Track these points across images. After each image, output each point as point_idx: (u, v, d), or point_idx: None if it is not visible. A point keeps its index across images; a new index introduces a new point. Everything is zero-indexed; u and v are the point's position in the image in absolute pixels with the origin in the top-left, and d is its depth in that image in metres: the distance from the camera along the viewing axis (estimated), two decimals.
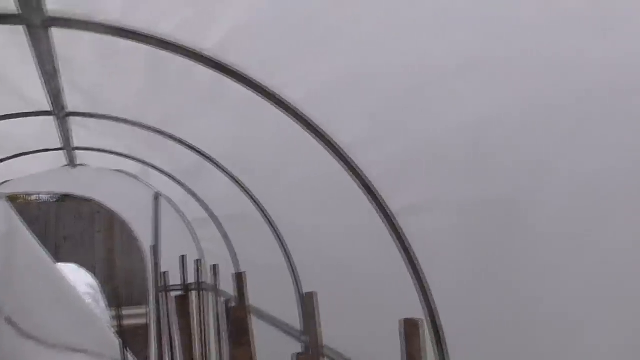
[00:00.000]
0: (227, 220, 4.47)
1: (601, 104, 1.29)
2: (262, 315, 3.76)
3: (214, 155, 3.36)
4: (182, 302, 4.53)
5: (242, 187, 3.43)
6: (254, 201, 3.42)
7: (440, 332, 2.16)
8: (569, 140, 1.43)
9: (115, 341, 5.36)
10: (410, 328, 1.60)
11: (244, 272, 3.32)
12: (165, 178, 4.72)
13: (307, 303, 2.24)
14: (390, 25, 1.58)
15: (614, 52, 1.19)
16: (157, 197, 5.78)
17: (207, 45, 1.91)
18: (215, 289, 4.08)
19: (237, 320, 3.00)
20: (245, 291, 3.21)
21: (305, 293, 2.32)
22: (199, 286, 4.38)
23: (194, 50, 1.93)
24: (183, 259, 4.75)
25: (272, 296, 3.82)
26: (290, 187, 2.78)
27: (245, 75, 2.00)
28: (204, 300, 4.36)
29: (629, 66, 1.19)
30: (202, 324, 4.03)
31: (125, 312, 7.90)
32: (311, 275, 3.23)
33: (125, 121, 3.20)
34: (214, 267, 4.22)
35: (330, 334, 2.67)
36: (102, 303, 6.87)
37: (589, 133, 1.36)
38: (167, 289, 4.36)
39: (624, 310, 1.44)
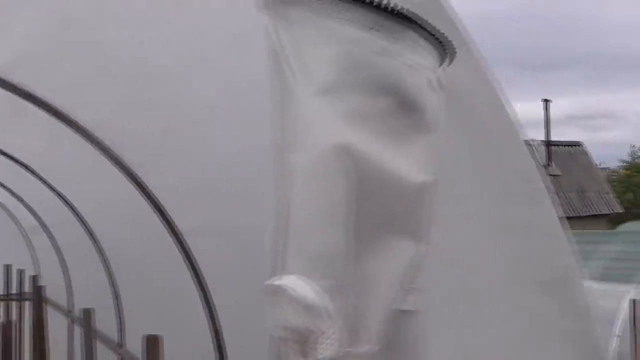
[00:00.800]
0: (57, 229, 4.37)
1: None
2: (88, 328, 3.72)
3: (31, 165, 3.30)
4: (3, 312, 4.37)
5: (62, 199, 3.40)
6: (74, 212, 3.40)
7: (223, 348, 2.31)
8: None
9: None
10: (150, 344, 1.73)
11: (44, 286, 3.31)
12: None
13: (85, 322, 2.32)
14: (159, 65, 1.72)
15: None
16: None
17: None
18: (36, 299, 3.99)
19: (35, 327, 3.01)
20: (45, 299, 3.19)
21: (83, 309, 2.39)
22: (21, 296, 4.25)
23: None
24: (6, 268, 4.59)
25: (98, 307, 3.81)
26: (97, 203, 2.83)
27: (34, 95, 2.04)
28: (23, 310, 4.24)
29: None
30: (20, 333, 3.93)
31: None
32: (129, 290, 3.27)
33: None
34: (34, 278, 4.13)
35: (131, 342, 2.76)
36: None
37: None
38: None
39: None
